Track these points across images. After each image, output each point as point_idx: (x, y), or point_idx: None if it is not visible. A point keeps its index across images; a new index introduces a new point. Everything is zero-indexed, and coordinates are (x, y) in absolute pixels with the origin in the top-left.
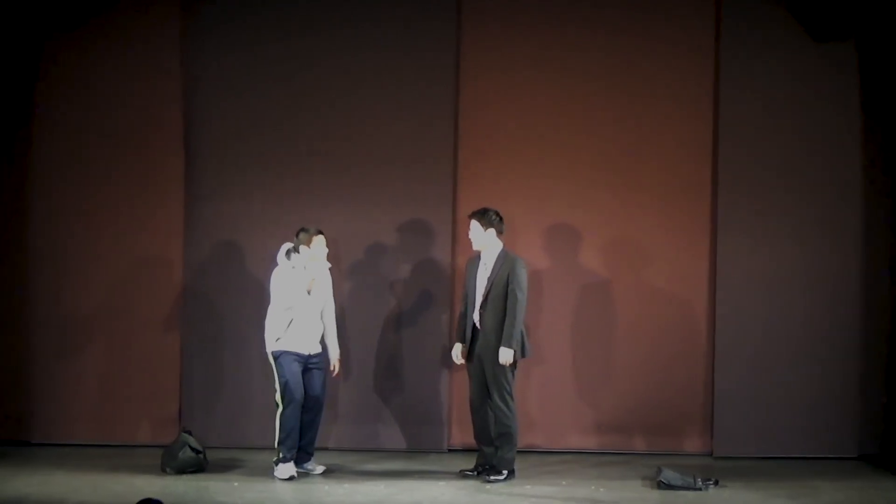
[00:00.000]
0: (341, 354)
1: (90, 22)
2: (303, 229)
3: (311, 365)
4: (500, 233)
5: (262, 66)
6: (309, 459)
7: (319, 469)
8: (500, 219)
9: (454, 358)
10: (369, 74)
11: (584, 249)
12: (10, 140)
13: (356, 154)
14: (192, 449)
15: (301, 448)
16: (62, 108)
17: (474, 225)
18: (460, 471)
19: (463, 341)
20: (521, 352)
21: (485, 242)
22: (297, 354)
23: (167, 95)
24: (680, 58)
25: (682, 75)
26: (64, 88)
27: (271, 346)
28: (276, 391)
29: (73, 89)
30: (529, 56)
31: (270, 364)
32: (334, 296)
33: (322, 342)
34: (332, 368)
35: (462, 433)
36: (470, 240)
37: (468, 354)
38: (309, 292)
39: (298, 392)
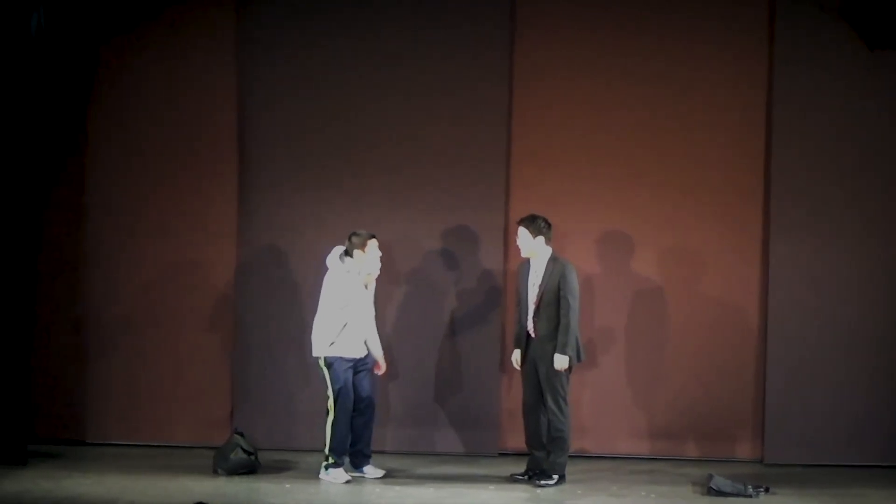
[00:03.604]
0: (388, 357)
1: (145, 26)
2: (355, 233)
3: (360, 368)
4: (548, 240)
5: (316, 70)
6: (367, 462)
7: (379, 473)
8: (549, 226)
9: (513, 363)
10: (422, 77)
11: (636, 255)
12: (66, 143)
13: (408, 157)
14: (244, 450)
15: (358, 451)
16: (117, 112)
17: (522, 232)
18: (511, 475)
19: (520, 347)
20: (577, 356)
21: (533, 249)
22: (349, 360)
23: (221, 98)
24: (733, 63)
25: (735, 80)
26: (119, 91)
27: (324, 351)
28: (328, 398)
29: (128, 92)
30: (583, 60)
31: (322, 370)
32: (387, 299)
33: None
34: (378, 368)
35: (514, 437)
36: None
37: (522, 359)
38: (366, 286)
39: (350, 399)
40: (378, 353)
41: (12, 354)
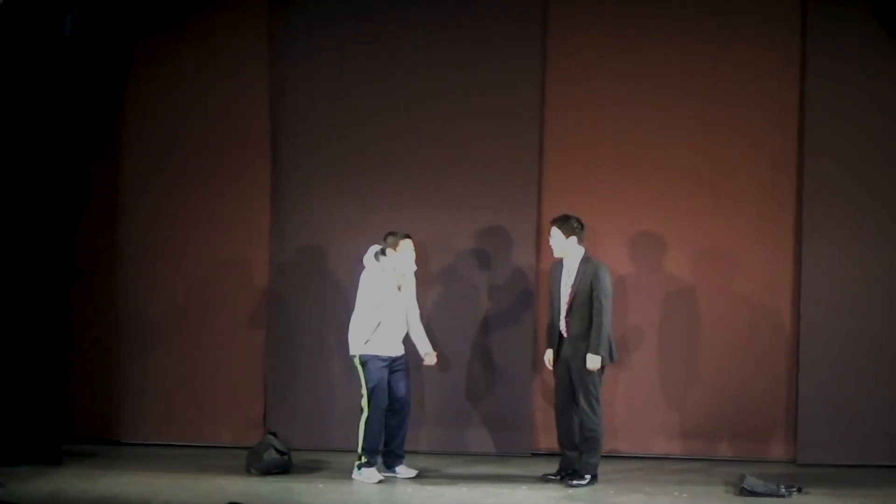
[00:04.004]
0: (421, 357)
1: (178, 25)
2: (391, 233)
3: (395, 367)
4: (581, 240)
5: (348, 69)
6: (400, 462)
7: (412, 473)
8: (582, 226)
9: (546, 363)
10: (455, 78)
11: (669, 255)
12: (100, 142)
13: (441, 157)
14: (277, 450)
15: (391, 451)
16: (151, 110)
17: (555, 232)
18: (543, 475)
19: (552, 347)
20: (609, 357)
21: (566, 250)
22: (384, 358)
23: (254, 97)
24: (766, 64)
25: (767, 81)
26: (152, 90)
27: (358, 349)
28: (361, 396)
29: (162, 91)
30: (615, 61)
31: (356, 368)
32: (420, 299)
33: (405, 344)
34: (427, 361)
35: (546, 437)
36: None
37: (555, 359)
38: (399, 288)
39: (384, 398)
40: (426, 346)
41: (48, 355)
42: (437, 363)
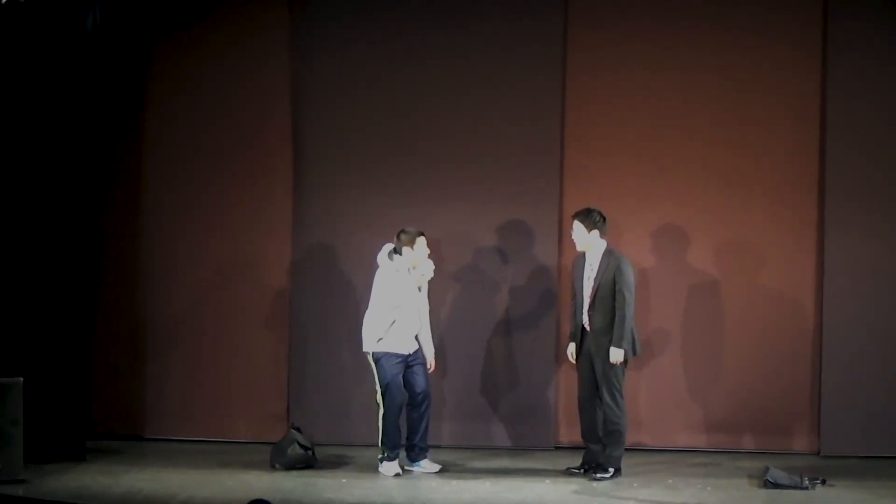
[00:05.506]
0: (443, 351)
1: (200, 20)
2: (403, 231)
3: (411, 362)
4: (603, 234)
5: (370, 65)
6: (424, 456)
7: (435, 468)
8: (604, 219)
9: (569, 357)
10: (475, 72)
11: (692, 248)
12: (121, 138)
13: (462, 153)
14: (301, 445)
15: (415, 445)
16: (172, 107)
17: (577, 226)
18: (567, 468)
19: (575, 341)
20: (632, 350)
21: (588, 243)
22: (398, 356)
23: (275, 94)
24: (787, 55)
25: (789, 73)
26: (174, 87)
27: (372, 346)
28: (376, 392)
29: (183, 87)
30: (636, 53)
31: (370, 365)
32: (442, 293)
33: (416, 339)
34: (428, 366)
35: (569, 431)
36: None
37: (577, 353)
38: (420, 289)
39: (399, 394)
40: (429, 351)
41: (72, 351)
42: (433, 371)
